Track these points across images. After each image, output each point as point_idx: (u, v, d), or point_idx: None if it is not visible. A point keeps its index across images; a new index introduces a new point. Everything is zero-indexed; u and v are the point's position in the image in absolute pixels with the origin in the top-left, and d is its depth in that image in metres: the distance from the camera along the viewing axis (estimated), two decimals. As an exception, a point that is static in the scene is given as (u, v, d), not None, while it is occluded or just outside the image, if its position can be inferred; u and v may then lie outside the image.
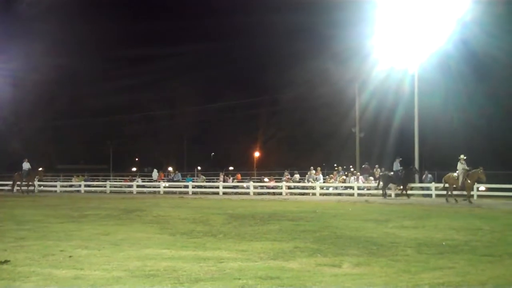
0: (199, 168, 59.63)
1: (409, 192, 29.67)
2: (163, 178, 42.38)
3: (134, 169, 74.95)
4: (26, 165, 34.45)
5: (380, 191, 29.89)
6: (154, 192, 37.04)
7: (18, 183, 34.88)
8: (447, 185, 26.68)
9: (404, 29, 32.19)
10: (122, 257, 9.11)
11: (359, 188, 31.98)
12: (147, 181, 42.58)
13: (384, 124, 49.74)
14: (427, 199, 29.14)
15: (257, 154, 71.20)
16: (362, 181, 32.70)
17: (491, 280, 7.02)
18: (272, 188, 35.23)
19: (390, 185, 30.45)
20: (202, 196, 32.84)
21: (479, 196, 28.28)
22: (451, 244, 10.81)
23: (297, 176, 36.11)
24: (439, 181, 29.41)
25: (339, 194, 31.85)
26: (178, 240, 11.58)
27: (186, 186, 36.95)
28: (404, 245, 10.58)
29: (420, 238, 11.72)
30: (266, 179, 39.19)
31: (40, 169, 37.11)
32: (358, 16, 37.74)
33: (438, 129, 52.23)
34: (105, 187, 39.67)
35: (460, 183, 25.44)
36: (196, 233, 12.94)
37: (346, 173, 36.03)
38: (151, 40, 78.40)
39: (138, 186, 39.07)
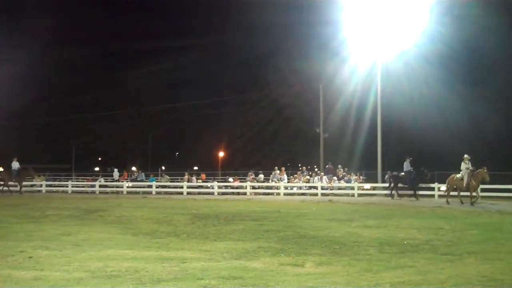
0: (163, 167, 59.23)
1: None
2: (126, 178, 41.86)
3: (97, 168, 73.94)
4: (15, 165, 33.26)
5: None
6: (117, 192, 36.56)
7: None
8: (449, 186, 25.36)
9: (371, 29, 32.47)
10: (83, 258, 8.96)
11: (322, 188, 32.16)
12: (110, 181, 42.01)
13: (349, 124, 50.18)
14: (390, 198, 29.44)
15: (222, 154, 71.06)
16: (326, 181, 32.91)
17: (451, 279, 7.11)
18: (237, 188, 35.20)
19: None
20: (166, 196, 32.55)
21: (440, 196, 28.69)
22: (412, 243, 10.96)
23: (261, 176, 36.17)
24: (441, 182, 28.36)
25: (303, 194, 31.99)
26: (141, 241, 11.48)
27: (150, 186, 36.63)
28: (366, 245, 10.69)
29: (383, 237, 11.84)
30: (230, 179, 39.16)
31: (31, 168, 35.88)
32: (325, 17, 37.98)
33: (403, 129, 53.14)
34: (67, 187, 38.94)
35: (464, 184, 24.07)
36: (159, 233, 12.85)
37: (310, 173, 36.21)
38: (117, 39, 77.55)
39: (100, 186, 38.47)
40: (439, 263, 8.62)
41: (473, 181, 23.57)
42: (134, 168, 51.20)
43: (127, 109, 71.18)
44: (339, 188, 32.49)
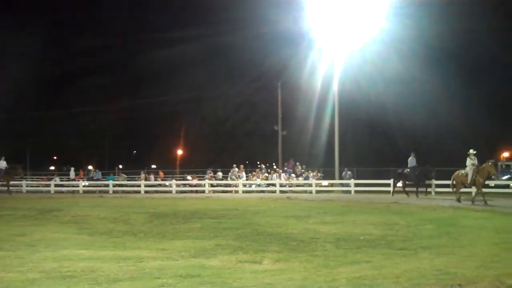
0: (120, 166, 58.51)
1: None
2: (82, 177, 41.21)
3: (52, 167, 72.43)
4: (2, 164, 32.32)
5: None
6: (73, 192, 36.01)
7: None
8: (456, 183, 23.72)
9: (329, 26, 32.69)
10: (37, 259, 8.78)
11: (281, 185, 32.32)
12: (66, 180, 41.25)
13: (308, 122, 50.46)
14: (347, 195, 29.81)
15: (180, 152, 70.57)
16: (284, 178, 33.11)
17: (406, 273, 7.23)
18: (195, 186, 35.12)
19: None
20: (123, 195, 32.18)
21: (396, 191, 29.17)
22: (368, 238, 11.13)
23: (220, 173, 36.17)
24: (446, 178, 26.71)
25: (262, 192, 32.11)
26: (97, 240, 11.34)
27: (107, 185, 36.22)
28: (323, 241, 10.80)
29: (339, 233, 11.98)
30: (189, 177, 39.00)
31: (19, 167, 34.73)
32: (284, 13, 38.13)
33: (357, 126, 53.93)
34: (21, 186, 37.98)
35: (469, 181, 22.55)
36: (115, 232, 12.72)
37: (269, 170, 36.36)
38: (72, 34, 75.98)
39: (56, 186, 37.78)
40: (394, 258, 8.76)
41: (479, 177, 21.99)
42: (90, 167, 50.45)
43: (83, 107, 69.84)
44: (297, 185, 32.71)
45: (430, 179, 28.16)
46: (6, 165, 32.64)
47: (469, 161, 22.81)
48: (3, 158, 32.81)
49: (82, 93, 70.89)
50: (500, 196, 25.24)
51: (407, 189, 27.90)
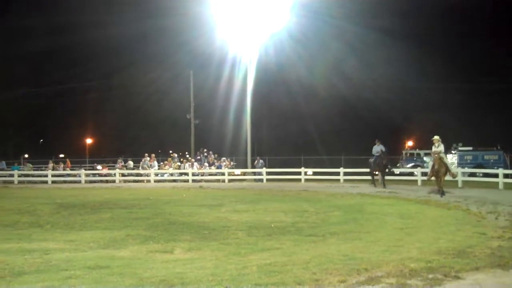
0: (26, 156, 56.17)
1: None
2: (-16, 167, 39.25)
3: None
4: None
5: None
6: (-25, 183, 34.24)
7: None
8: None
9: (241, 14, 32.71)
10: None
11: (193, 174, 32.21)
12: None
13: (221, 110, 50.52)
14: (259, 183, 30.14)
15: (89, 141, 68.67)
16: (197, 167, 33.00)
17: (314, 259, 7.41)
18: (105, 175, 34.30)
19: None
20: (29, 185, 31.02)
21: (306, 180, 29.84)
22: (279, 226, 11.33)
23: (131, 163, 35.54)
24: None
25: (175, 181, 31.86)
26: (1, 233, 10.95)
27: (11, 175, 34.66)
28: (235, 229, 10.90)
29: (251, 221, 12.13)
30: (99, 167, 38.00)
31: None
32: (196, 3, 37.79)
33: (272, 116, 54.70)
34: None
35: (429, 171, 20.64)
36: (21, 224, 12.33)
37: (181, 159, 36.12)
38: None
39: (-46, 176, 35.77)
40: (303, 244, 8.97)
41: (436, 165, 19.49)
42: (-8, 157, 48.11)
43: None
44: (210, 174, 32.71)
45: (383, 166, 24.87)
46: None
47: (433, 149, 19.98)
48: None
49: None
50: (404, 183, 26.27)
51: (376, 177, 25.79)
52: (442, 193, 18.91)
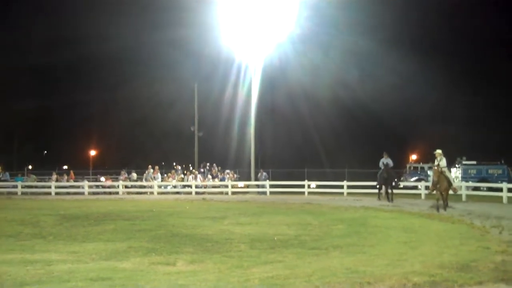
0: (30, 167, 56.23)
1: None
2: (-12, 178, 39.30)
3: (-45, 169, 68.48)
4: None
5: None
6: (-22, 194, 34.24)
7: None
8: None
9: (246, 26, 32.84)
10: None
11: (197, 187, 32.20)
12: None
13: (225, 123, 50.54)
14: (262, 196, 30.09)
15: (93, 153, 68.70)
16: (200, 179, 33.00)
17: (317, 272, 7.39)
18: (109, 187, 34.31)
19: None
20: (33, 196, 31.07)
21: (310, 192, 29.81)
22: (282, 239, 11.28)
23: (134, 175, 35.58)
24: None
25: (178, 193, 31.84)
26: (3, 243, 10.90)
27: (15, 186, 34.70)
28: (238, 241, 10.86)
29: (254, 234, 12.09)
30: (102, 178, 38.06)
31: None
32: (201, 17, 37.97)
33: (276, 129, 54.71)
34: None
35: (430, 185, 19.92)
36: (24, 235, 12.29)
37: (185, 172, 36.14)
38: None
39: (-41, 187, 35.78)
40: (306, 257, 8.94)
41: (435, 178, 18.89)
42: (-3, 168, 48.21)
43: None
44: (213, 186, 32.70)
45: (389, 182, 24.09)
46: None
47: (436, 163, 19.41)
48: None
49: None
50: (408, 197, 26.20)
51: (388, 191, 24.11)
52: (446, 207, 18.59)
